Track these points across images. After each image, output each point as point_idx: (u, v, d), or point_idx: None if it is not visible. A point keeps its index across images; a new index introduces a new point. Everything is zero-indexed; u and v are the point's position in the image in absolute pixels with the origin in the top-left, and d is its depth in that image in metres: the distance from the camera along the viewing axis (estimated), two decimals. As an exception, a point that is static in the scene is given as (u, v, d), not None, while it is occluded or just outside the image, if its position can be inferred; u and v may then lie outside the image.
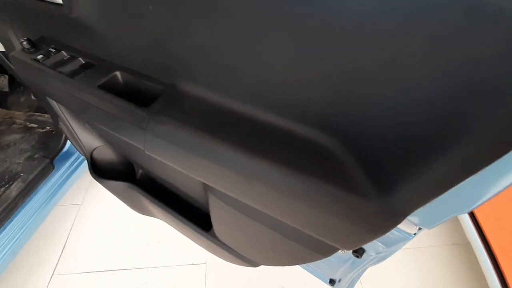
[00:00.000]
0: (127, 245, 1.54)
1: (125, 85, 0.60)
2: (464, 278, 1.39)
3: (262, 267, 1.45)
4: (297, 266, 1.42)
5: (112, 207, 1.70)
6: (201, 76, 0.49)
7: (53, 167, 1.31)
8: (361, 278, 1.12)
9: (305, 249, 0.53)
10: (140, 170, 0.99)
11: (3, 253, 1.13)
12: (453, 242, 1.52)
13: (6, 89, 1.60)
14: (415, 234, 0.46)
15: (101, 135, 0.94)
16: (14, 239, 1.17)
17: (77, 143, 1.10)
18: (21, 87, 1.70)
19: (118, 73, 0.59)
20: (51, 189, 1.30)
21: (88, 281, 1.42)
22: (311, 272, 1.05)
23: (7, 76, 1.58)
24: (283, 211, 0.43)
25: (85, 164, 1.46)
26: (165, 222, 1.03)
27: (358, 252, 0.56)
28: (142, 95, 0.56)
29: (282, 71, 0.38)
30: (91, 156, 1.01)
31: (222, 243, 0.80)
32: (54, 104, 0.91)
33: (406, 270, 1.43)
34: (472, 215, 1.26)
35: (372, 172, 0.36)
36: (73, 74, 0.60)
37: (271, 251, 0.65)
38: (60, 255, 1.52)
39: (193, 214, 0.85)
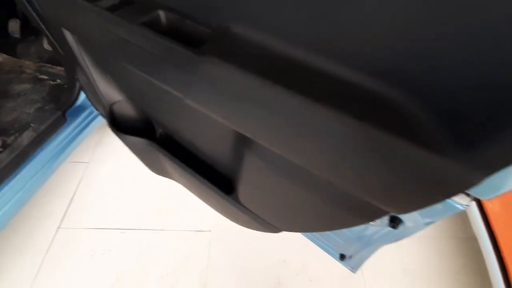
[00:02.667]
0: (133, 206, 1.55)
1: (168, 27, 0.55)
2: (463, 271, 1.42)
3: (263, 240, 1.47)
4: (299, 239, 1.44)
5: (119, 167, 1.69)
6: (259, 17, 0.45)
7: (65, 120, 1.28)
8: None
9: (346, 213, 0.51)
10: (160, 130, 0.96)
11: (12, 201, 1.12)
12: (456, 235, 1.54)
13: (18, 35, 1.52)
14: (467, 205, 0.45)
15: (123, 88, 0.90)
16: (24, 189, 1.16)
17: (95, 95, 1.06)
18: (33, 36, 1.62)
19: (161, 12, 0.54)
20: (61, 143, 1.27)
21: (93, 236, 1.44)
22: (321, 245, 1.06)
23: (19, 21, 1.50)
24: (339, 169, 0.40)
25: (96, 121, 1.42)
26: (182, 184, 1.02)
27: (395, 223, 0.55)
28: (186, 39, 0.52)
29: (357, 12, 0.34)
30: (110, 110, 0.97)
31: (243, 207, 0.79)
32: (76, 51, 0.87)
33: (406, 258, 1.46)
34: (481, 209, 1.27)
35: (448, 126, 0.33)
36: (111, 9, 0.55)
37: (303, 216, 0.64)
38: (67, 209, 1.52)
39: (213, 177, 0.83)
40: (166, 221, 1.50)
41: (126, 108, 0.98)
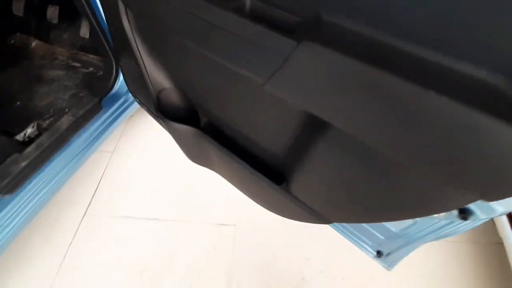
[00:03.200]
0: (157, 196, 1.55)
1: (252, 14, 0.57)
2: (485, 277, 1.43)
3: (287, 236, 1.48)
4: (324, 236, 1.45)
5: (144, 157, 1.70)
6: (357, 7, 0.45)
7: (101, 108, 1.29)
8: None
9: (423, 202, 0.52)
10: (205, 119, 0.97)
11: (49, 186, 1.13)
12: (476, 241, 1.55)
13: (55, 21, 1.54)
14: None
15: (174, 75, 0.91)
16: (60, 174, 1.17)
17: (138, 83, 1.07)
18: (65, 24, 1.63)
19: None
20: (97, 130, 1.28)
21: (118, 224, 1.44)
22: (355, 241, 1.07)
23: (58, 7, 1.52)
24: (438, 159, 0.41)
25: (129, 110, 1.43)
26: (222, 174, 1.03)
27: (466, 213, 0.56)
28: (273, 26, 0.53)
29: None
30: (158, 97, 0.98)
31: (294, 198, 0.79)
32: (130, 37, 0.88)
33: (427, 262, 1.47)
34: (509, 214, 1.28)
35: None
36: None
37: (367, 206, 0.64)
38: (92, 197, 1.52)
39: (261, 168, 0.84)
40: (190, 213, 1.51)
41: (172, 96, 0.99)
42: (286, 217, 0.93)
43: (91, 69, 1.52)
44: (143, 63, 0.93)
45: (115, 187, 1.57)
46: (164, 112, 1.00)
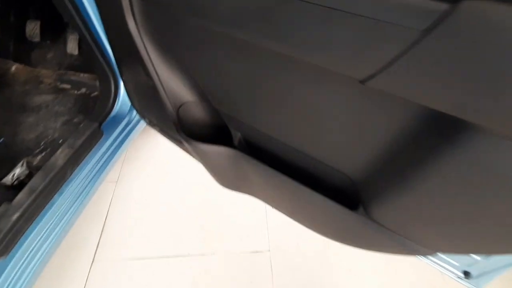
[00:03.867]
0: (175, 228, 1.34)
1: None
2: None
3: (326, 256, 1.30)
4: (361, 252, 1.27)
5: (152, 184, 1.49)
6: None
7: (102, 134, 1.09)
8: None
9: None
10: (238, 135, 0.78)
11: (49, 240, 0.91)
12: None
13: (37, 39, 1.33)
14: None
15: (198, 84, 0.72)
16: (61, 222, 0.95)
17: (147, 99, 0.88)
18: (48, 41, 1.43)
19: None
20: (100, 160, 1.07)
21: (133, 267, 1.23)
22: (433, 261, 0.89)
23: (38, 22, 1.31)
24: None
25: (133, 133, 1.23)
26: (267, 200, 0.84)
27: None
28: None
29: None
30: (178, 114, 0.79)
31: (378, 225, 0.61)
32: (138, 45, 0.69)
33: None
34: None
35: None
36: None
37: (501, 236, 0.47)
38: (99, 239, 1.30)
39: (322, 190, 0.66)
40: (217, 243, 1.31)
41: (195, 111, 0.80)
42: (364, 248, 0.75)
43: (83, 90, 1.31)
44: (156, 73, 0.74)
45: (124, 224, 1.35)
46: (186, 132, 0.80)
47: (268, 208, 1.40)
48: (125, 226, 1.34)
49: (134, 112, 1.18)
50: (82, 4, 0.86)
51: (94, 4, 0.85)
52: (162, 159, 1.57)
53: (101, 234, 1.32)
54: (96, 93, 1.29)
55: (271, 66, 0.52)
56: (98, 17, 0.88)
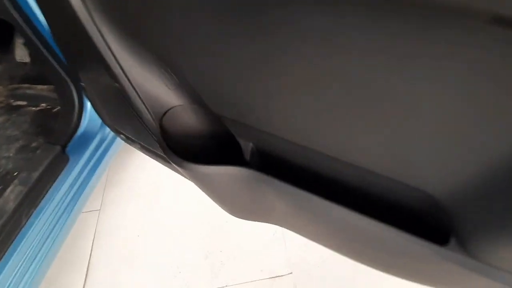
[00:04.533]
0: (177, 262, 1.11)
1: None
2: None
3: (354, 275, 1.10)
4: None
5: (143, 210, 1.25)
6: None
7: (68, 159, 0.85)
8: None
9: None
10: (251, 145, 0.56)
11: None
12: None
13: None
14: None
15: (190, 82, 0.50)
16: (28, 273, 0.71)
17: (116, 110, 0.65)
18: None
19: None
20: (69, 192, 0.83)
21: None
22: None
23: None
24: None
25: (110, 154, 0.99)
26: (304, 233, 0.62)
27: None
28: None
29: None
30: (161, 125, 0.57)
31: (480, 263, 0.41)
32: (99, 43, 0.46)
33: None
34: None
35: None
36: None
37: None
38: (84, 283, 1.06)
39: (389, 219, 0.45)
40: (228, 273, 1.09)
41: (185, 120, 0.58)
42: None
43: (43, 105, 1.06)
44: (124, 71, 0.52)
45: (113, 262, 1.12)
46: (176, 149, 0.58)
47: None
48: (113, 263, 1.11)
49: (108, 129, 0.94)
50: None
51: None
52: (152, 180, 1.34)
53: (85, 278, 1.07)
54: (58, 107, 1.04)
55: (307, 38, 0.30)
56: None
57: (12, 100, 1.09)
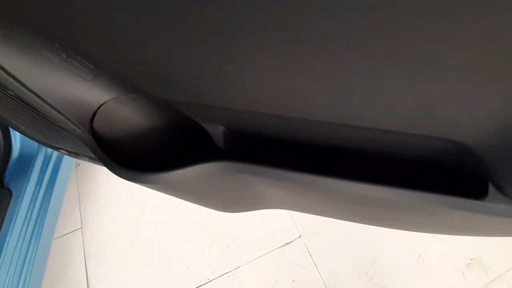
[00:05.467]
0: (182, 256, 1.04)
1: None
2: None
3: (366, 228, 1.08)
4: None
5: (130, 217, 1.14)
6: None
7: (10, 193, 0.69)
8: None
9: None
10: (221, 128, 0.42)
11: None
12: None
13: None
14: None
15: (110, 64, 0.34)
16: None
17: (40, 118, 0.49)
18: None
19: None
20: (26, 226, 0.69)
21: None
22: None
23: None
24: None
25: (64, 167, 0.83)
26: (305, 209, 0.53)
27: None
28: None
29: None
30: (93, 131, 0.42)
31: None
32: None
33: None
34: None
35: None
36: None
37: None
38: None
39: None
40: (237, 254, 1.03)
41: (121, 118, 0.43)
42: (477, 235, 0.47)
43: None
44: (19, 83, 0.35)
45: (113, 274, 1.03)
46: (122, 158, 0.43)
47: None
48: (115, 279, 1.02)
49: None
50: None
51: None
52: (128, 184, 1.19)
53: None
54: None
55: None
56: None
57: None
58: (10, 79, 0.34)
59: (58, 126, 0.42)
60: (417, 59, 0.22)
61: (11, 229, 0.67)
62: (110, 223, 1.12)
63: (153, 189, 0.45)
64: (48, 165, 0.76)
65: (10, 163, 0.72)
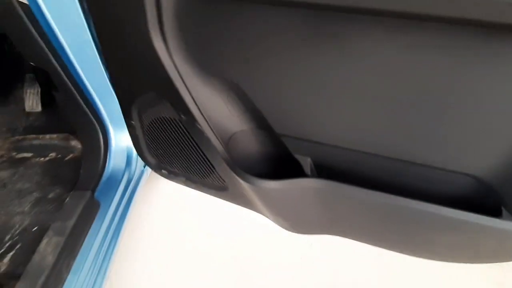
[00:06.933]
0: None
1: None
2: None
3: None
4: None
5: (179, 244, 1.17)
6: None
7: (98, 204, 0.81)
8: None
9: None
10: (309, 160, 0.61)
11: None
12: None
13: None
14: None
15: (259, 106, 0.55)
16: None
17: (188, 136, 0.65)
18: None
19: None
20: (105, 238, 0.78)
21: None
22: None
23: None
24: None
25: (139, 191, 0.96)
26: (368, 240, 0.66)
27: None
28: None
29: None
30: (228, 148, 0.60)
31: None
32: (171, 73, 0.51)
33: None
34: None
35: None
36: None
37: None
38: None
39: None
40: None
41: (249, 143, 0.62)
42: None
43: (52, 155, 1.01)
44: (196, 103, 0.56)
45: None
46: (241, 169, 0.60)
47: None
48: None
49: (134, 166, 0.93)
50: (51, 29, 0.63)
51: (69, 27, 0.63)
52: (178, 203, 1.25)
53: None
54: (71, 155, 1.00)
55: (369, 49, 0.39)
56: (77, 47, 0.67)
57: (14, 153, 1.02)
58: (194, 106, 0.55)
59: (197, 145, 0.60)
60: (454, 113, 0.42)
61: (94, 236, 0.76)
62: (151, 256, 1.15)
63: (254, 194, 0.60)
64: (130, 184, 0.90)
65: (102, 180, 0.86)
